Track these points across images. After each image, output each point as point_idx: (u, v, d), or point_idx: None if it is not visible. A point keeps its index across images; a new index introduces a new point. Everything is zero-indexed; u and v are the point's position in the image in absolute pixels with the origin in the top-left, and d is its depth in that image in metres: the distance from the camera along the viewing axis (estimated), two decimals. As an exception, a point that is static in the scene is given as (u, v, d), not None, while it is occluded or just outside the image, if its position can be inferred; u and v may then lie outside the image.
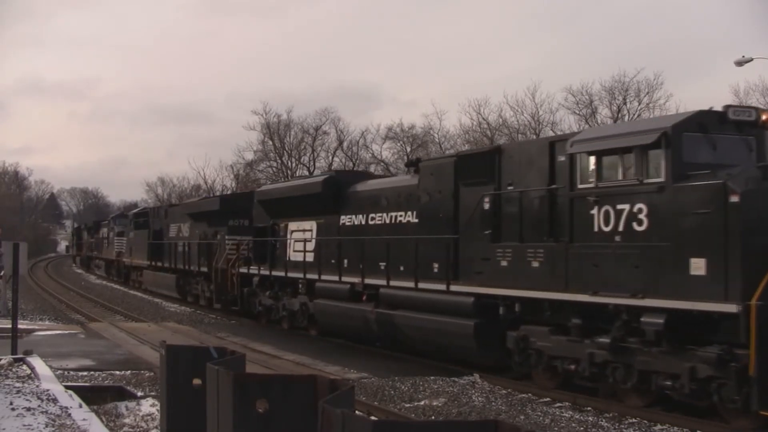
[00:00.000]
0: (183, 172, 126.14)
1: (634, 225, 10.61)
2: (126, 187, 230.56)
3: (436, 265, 14.45)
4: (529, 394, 12.22)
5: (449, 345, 14.12)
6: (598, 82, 45.37)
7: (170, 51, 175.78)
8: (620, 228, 10.78)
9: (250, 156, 61.93)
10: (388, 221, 16.51)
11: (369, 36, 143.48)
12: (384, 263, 15.94)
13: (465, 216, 13.97)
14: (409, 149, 53.61)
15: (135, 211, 41.81)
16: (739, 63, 26.48)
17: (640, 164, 10.64)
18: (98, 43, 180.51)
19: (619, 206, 10.83)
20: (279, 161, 60.75)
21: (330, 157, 59.50)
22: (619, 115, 42.61)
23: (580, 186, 11.57)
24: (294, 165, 60.30)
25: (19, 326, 15.83)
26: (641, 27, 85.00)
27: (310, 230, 19.56)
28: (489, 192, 13.37)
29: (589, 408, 11.24)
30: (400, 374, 13.71)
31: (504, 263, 12.76)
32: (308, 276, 18.81)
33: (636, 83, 42.52)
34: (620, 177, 10.96)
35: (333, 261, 17.98)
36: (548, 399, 11.91)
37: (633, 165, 10.72)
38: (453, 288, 13.79)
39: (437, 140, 52.90)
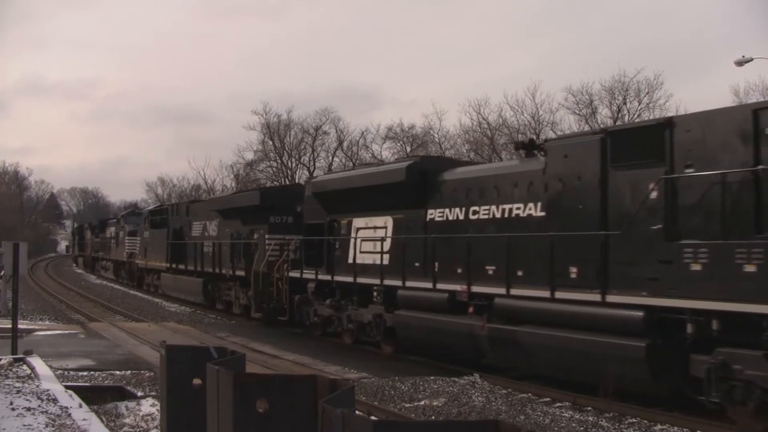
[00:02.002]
0: (183, 172, 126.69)
1: None
2: (126, 187, 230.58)
3: (574, 270, 11.66)
4: (529, 394, 12.22)
5: (605, 371, 10.98)
6: (598, 82, 45.54)
7: (170, 51, 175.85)
8: None
9: (250, 156, 62.04)
10: (498, 215, 13.58)
11: (369, 36, 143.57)
12: (493, 267, 13.20)
13: (618, 207, 11.24)
14: (409, 149, 53.63)
15: (151, 208, 38.34)
16: (739, 63, 26.49)
17: None
18: (99, 43, 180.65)
19: None
20: (279, 161, 60.79)
21: (330, 157, 59.59)
22: (619, 115, 42.61)
23: None
24: (294, 165, 60.39)
25: (19, 326, 15.84)
26: (641, 27, 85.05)
27: (384, 227, 16.55)
28: (658, 176, 10.56)
29: (589, 408, 11.24)
30: (400, 374, 13.71)
31: (696, 267, 9.80)
32: (387, 282, 15.86)
33: (636, 83, 42.54)
34: None
35: (417, 264, 15.16)
36: (548, 399, 11.91)
37: None
38: (611, 299, 10.96)
39: (437, 140, 52.92)
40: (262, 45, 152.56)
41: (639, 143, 11.07)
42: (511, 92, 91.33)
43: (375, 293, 16.39)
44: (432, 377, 13.39)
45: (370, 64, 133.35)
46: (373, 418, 9.31)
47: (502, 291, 12.82)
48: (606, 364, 10.87)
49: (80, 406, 9.67)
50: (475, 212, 14.16)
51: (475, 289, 13.47)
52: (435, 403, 11.48)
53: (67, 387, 11.07)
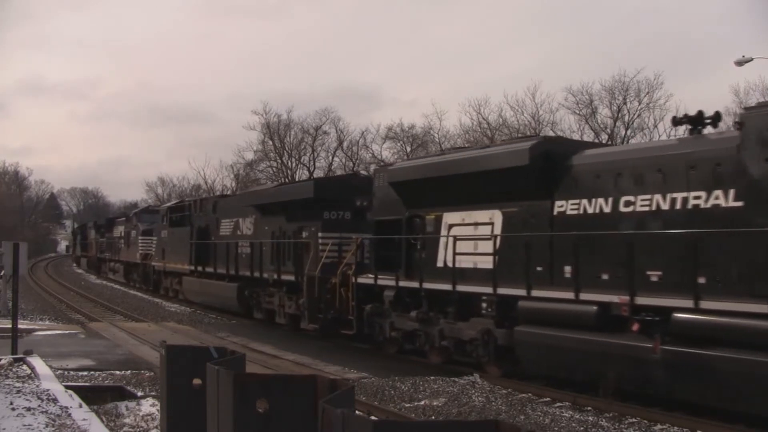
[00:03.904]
0: (183, 172, 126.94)
1: None
2: (126, 187, 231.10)
3: None
4: (529, 394, 12.21)
5: None
6: (598, 82, 45.55)
7: (170, 51, 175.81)
8: None
9: (250, 156, 62.13)
10: (665, 207, 10.84)
11: (369, 36, 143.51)
12: (658, 273, 10.68)
13: None
14: (409, 149, 53.66)
15: (170, 204, 34.73)
16: (739, 63, 26.48)
17: None
18: (99, 43, 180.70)
19: None
20: (279, 161, 60.86)
21: (330, 157, 59.67)
22: (619, 114, 42.66)
23: None
24: (294, 165, 60.45)
25: (19, 326, 15.85)
26: (641, 27, 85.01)
27: (489, 223, 13.69)
28: None
29: (589, 408, 11.23)
30: (400, 374, 13.69)
31: None
32: (503, 291, 12.95)
33: (636, 83, 42.60)
34: None
35: (540, 268, 12.44)
36: (548, 399, 11.91)
37: None
38: None
39: (437, 140, 52.95)
40: (262, 45, 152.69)
41: None
42: (511, 92, 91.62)
43: (484, 304, 13.41)
44: (432, 377, 13.37)
45: (370, 64, 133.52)
46: (373, 418, 9.31)
47: (685, 304, 10.01)
48: None
49: (80, 406, 9.67)
50: (629, 203, 11.38)
51: (642, 300, 10.66)
52: (435, 403, 11.48)
53: (67, 387, 11.07)
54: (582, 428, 10.11)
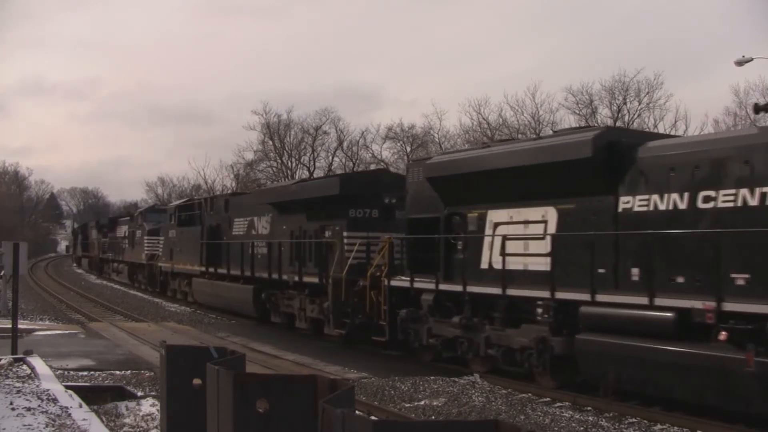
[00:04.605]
0: (183, 172, 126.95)
1: None
2: (126, 187, 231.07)
3: None
4: (529, 394, 12.21)
5: None
6: (598, 82, 45.61)
7: (171, 51, 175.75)
8: None
9: (250, 156, 62.15)
10: (753, 202, 9.83)
11: (369, 36, 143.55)
12: (746, 276, 9.75)
13: None
14: (409, 149, 53.70)
15: (178, 203, 33.36)
16: (739, 63, 26.47)
17: None
18: (99, 43, 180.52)
19: None
20: (279, 161, 60.90)
21: (330, 157, 59.72)
22: (619, 114, 42.68)
23: None
24: (294, 165, 60.49)
25: (19, 326, 15.85)
26: (641, 27, 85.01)
27: (543, 221, 12.65)
28: None
29: (589, 408, 11.23)
30: (400, 374, 13.69)
31: None
32: (562, 295, 11.81)
33: (636, 83, 42.67)
34: None
35: (602, 271, 11.42)
36: (548, 399, 11.91)
37: None
38: None
39: (437, 140, 52.99)
40: (262, 45, 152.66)
41: None
42: (511, 92, 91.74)
43: (539, 310, 12.24)
44: (432, 377, 13.37)
45: (370, 64, 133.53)
46: (373, 418, 9.31)
47: None
48: None
49: (80, 406, 9.68)
50: (708, 199, 10.34)
51: (731, 306, 9.56)
52: (435, 403, 11.48)
53: (67, 387, 11.07)
54: (582, 428, 10.11)
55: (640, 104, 42.87)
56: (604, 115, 43.83)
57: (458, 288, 13.75)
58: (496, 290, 12.91)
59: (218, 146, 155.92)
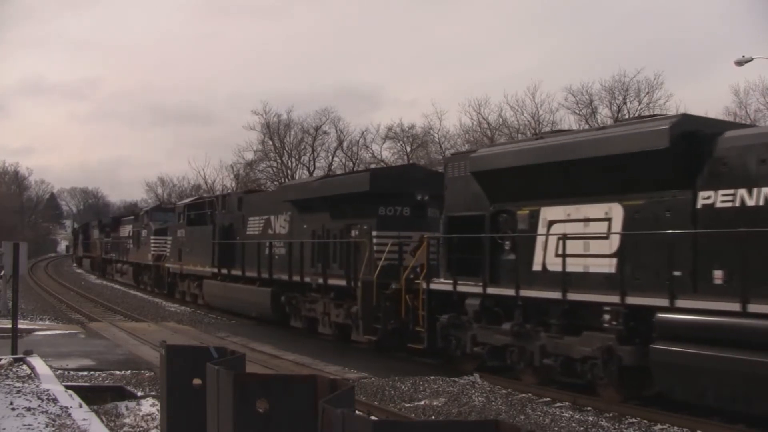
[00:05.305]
0: (183, 172, 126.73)
1: None
2: (126, 187, 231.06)
3: None
4: (529, 394, 12.21)
5: None
6: (598, 82, 45.58)
7: (171, 51, 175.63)
8: None
9: (250, 156, 62.16)
10: None
11: (369, 36, 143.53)
12: None
13: None
14: (409, 149, 53.73)
15: (187, 201, 32.04)
16: (739, 63, 26.50)
17: None
18: (99, 43, 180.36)
19: None
20: (279, 161, 60.92)
21: (330, 157, 59.73)
22: (619, 114, 42.68)
23: None
24: (294, 165, 60.53)
25: (19, 326, 15.86)
26: (641, 27, 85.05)
27: (606, 219, 11.53)
28: None
29: (589, 408, 11.23)
30: (400, 374, 13.69)
31: None
32: (633, 300, 10.65)
33: (636, 83, 42.70)
34: None
35: (678, 273, 10.29)
36: (548, 399, 11.90)
37: None
38: None
39: (437, 140, 53.03)
40: (262, 45, 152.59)
41: None
42: (511, 92, 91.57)
43: (607, 316, 11.05)
44: (432, 377, 13.37)
45: (370, 64, 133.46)
46: (373, 418, 9.31)
47: None
48: None
49: (80, 406, 9.68)
50: None
51: None
52: (435, 403, 11.48)
53: (67, 387, 11.08)
54: (582, 428, 10.12)
55: (640, 104, 42.90)
56: (604, 115, 43.90)
57: (509, 292, 12.57)
58: (554, 294, 11.75)
59: (218, 146, 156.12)
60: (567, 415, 10.86)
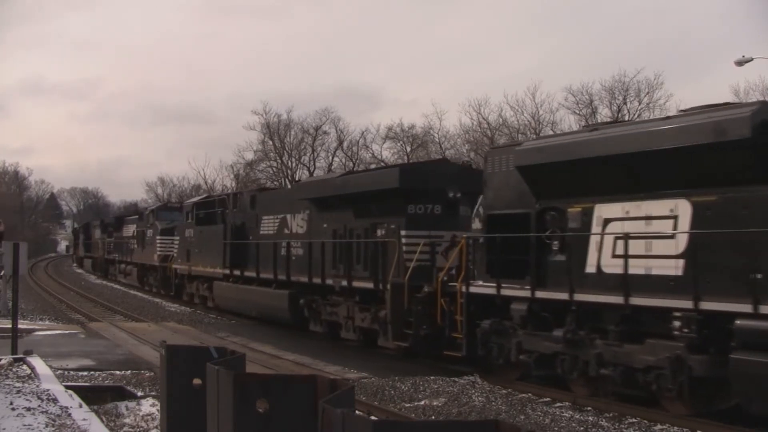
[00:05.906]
0: (183, 172, 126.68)
1: None
2: (126, 187, 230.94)
3: None
4: (529, 394, 12.20)
5: None
6: (598, 82, 45.53)
7: (171, 51, 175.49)
8: None
9: (250, 156, 62.19)
10: None
11: (369, 36, 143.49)
12: None
13: None
14: (409, 149, 53.74)
15: (196, 199, 31.06)
16: (739, 63, 26.50)
17: None
18: (99, 43, 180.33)
19: None
20: (279, 161, 60.95)
21: (330, 157, 59.76)
22: (620, 114, 42.67)
23: None
24: (294, 165, 60.57)
25: (19, 326, 15.84)
26: (641, 27, 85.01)
27: (672, 217, 10.44)
28: None
29: (589, 408, 11.23)
30: (400, 374, 13.69)
31: None
32: (708, 306, 9.58)
33: (636, 83, 42.71)
34: None
35: (758, 276, 9.20)
36: (548, 399, 11.90)
37: None
38: None
39: (437, 140, 53.04)
40: (262, 45, 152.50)
41: None
42: (511, 92, 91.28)
43: (677, 323, 9.96)
44: (432, 377, 13.37)
45: (370, 64, 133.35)
46: (373, 418, 9.31)
47: None
48: None
49: (80, 406, 9.68)
50: None
51: None
52: (435, 403, 11.48)
53: (67, 387, 11.07)
54: (582, 428, 10.12)
55: (640, 104, 42.95)
56: (604, 115, 43.85)
57: (562, 296, 11.46)
58: (616, 299, 10.67)
59: (218, 146, 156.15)
60: (567, 415, 10.87)
